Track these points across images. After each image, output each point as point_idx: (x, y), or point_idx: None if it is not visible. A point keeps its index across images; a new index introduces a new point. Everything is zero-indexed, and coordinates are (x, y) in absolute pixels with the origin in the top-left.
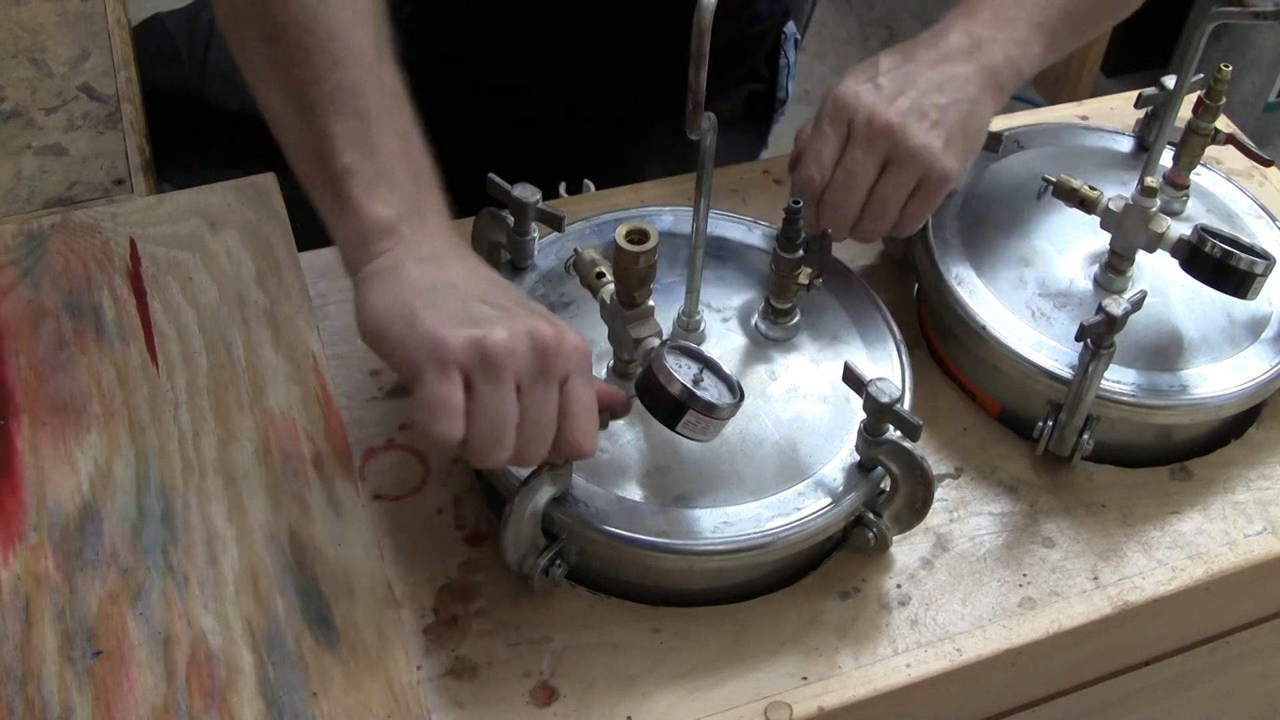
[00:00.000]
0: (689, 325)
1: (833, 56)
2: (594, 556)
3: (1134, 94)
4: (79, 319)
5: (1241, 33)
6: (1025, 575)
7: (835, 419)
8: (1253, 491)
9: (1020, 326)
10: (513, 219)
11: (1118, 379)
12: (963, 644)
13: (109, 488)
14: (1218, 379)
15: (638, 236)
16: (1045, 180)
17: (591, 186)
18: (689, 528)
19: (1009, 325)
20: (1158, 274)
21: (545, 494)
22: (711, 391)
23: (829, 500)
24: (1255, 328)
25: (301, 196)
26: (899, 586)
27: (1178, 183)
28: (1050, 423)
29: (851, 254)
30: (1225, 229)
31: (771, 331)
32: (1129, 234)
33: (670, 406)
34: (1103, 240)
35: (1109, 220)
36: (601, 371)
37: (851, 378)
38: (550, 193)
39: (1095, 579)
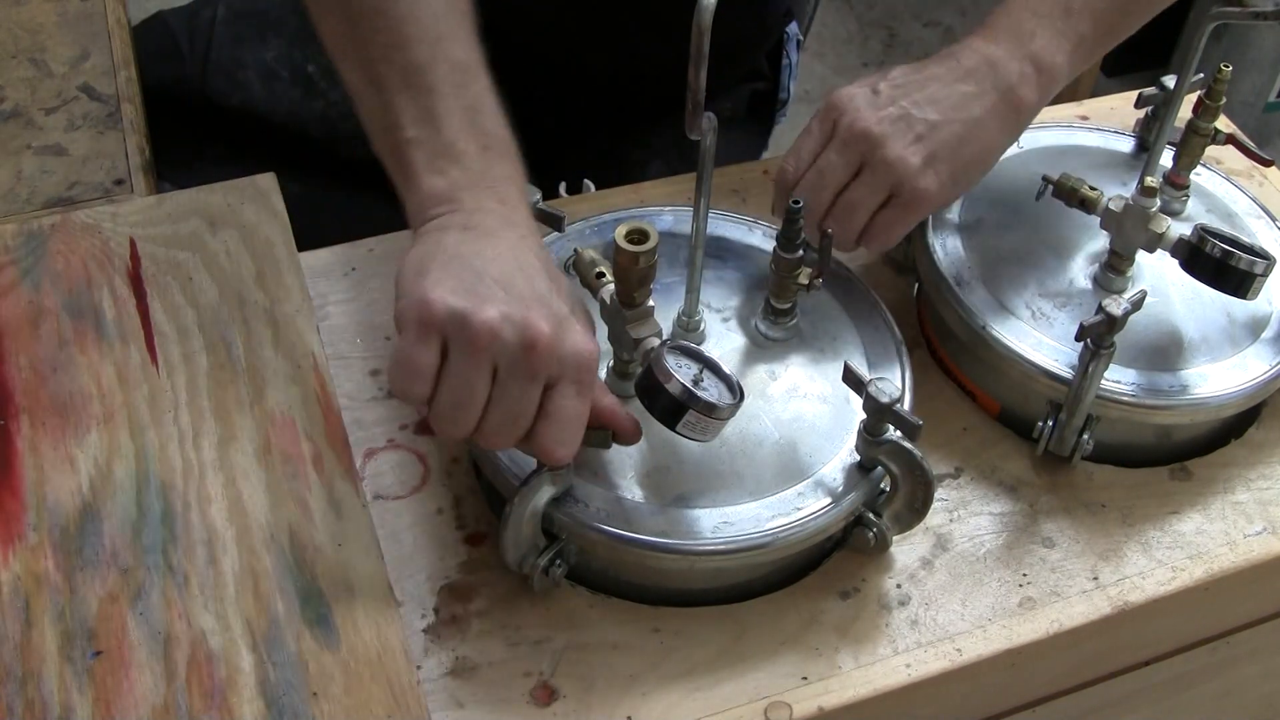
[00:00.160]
0: (689, 325)
1: (833, 56)
2: (594, 556)
3: (1134, 94)
4: (79, 319)
5: (1241, 33)
6: (1025, 575)
7: (835, 419)
8: (1253, 491)
9: (1020, 326)
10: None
11: (1118, 379)
12: (963, 644)
13: (109, 488)
14: (1218, 379)
15: (638, 236)
16: (1045, 180)
17: (591, 186)
18: (689, 528)
19: (1009, 325)
20: (1158, 274)
21: (545, 494)
22: (711, 391)
23: (829, 500)
24: (1255, 328)
25: (301, 196)
26: (899, 586)
27: (1178, 183)
28: (1050, 423)
29: (851, 254)
30: (1225, 229)
31: (771, 331)
32: (1129, 234)
33: (670, 406)
34: (1103, 240)
35: (1109, 220)
36: (601, 372)
37: (851, 378)
38: (550, 193)
39: (1095, 579)
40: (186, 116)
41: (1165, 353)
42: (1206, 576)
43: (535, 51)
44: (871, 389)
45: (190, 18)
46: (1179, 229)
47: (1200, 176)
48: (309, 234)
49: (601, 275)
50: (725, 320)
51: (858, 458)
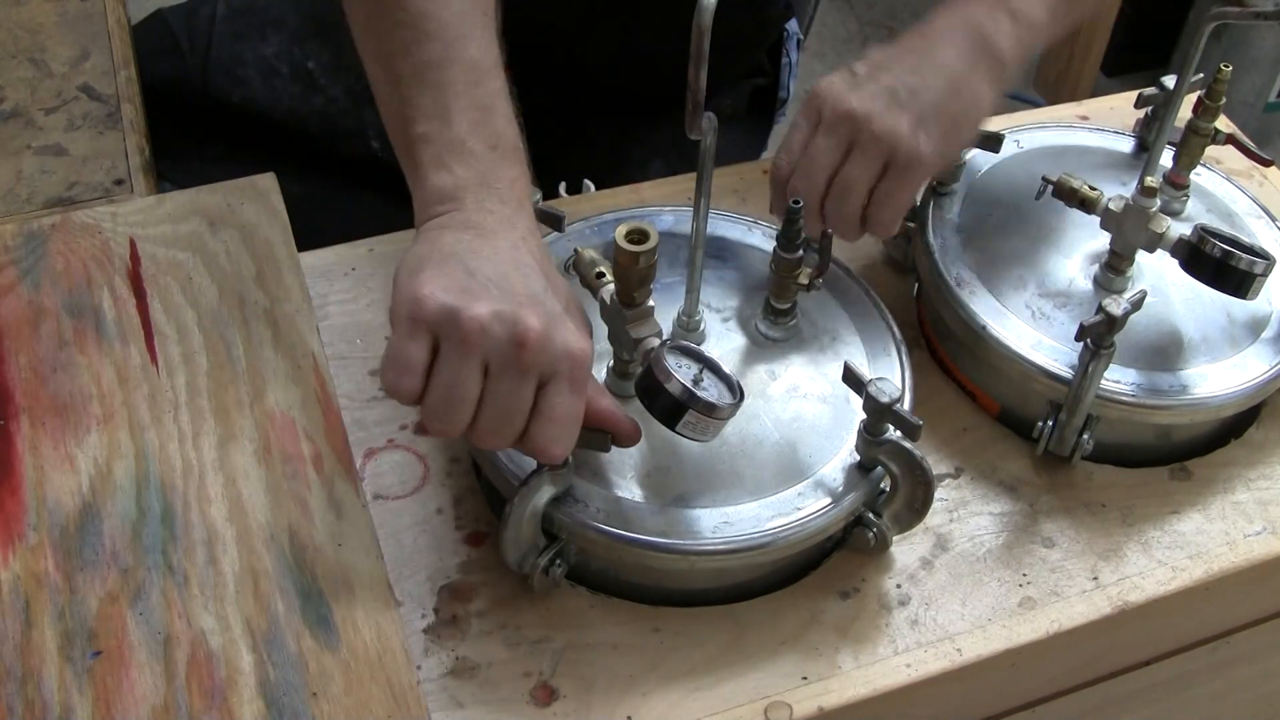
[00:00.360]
0: (689, 325)
1: (833, 56)
2: (594, 556)
3: (1134, 94)
4: (79, 319)
5: (1241, 33)
6: (1025, 575)
7: (835, 419)
8: (1253, 491)
9: (1020, 326)
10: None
11: (1118, 379)
12: (963, 644)
13: (109, 488)
14: (1218, 379)
15: (638, 236)
16: (1045, 180)
17: (591, 186)
18: (689, 528)
19: (1009, 325)
20: (1158, 274)
21: (545, 494)
22: (711, 391)
23: (829, 500)
24: (1255, 328)
25: (301, 196)
26: (899, 586)
27: (1178, 183)
28: (1050, 423)
29: (851, 254)
30: (1225, 229)
31: (771, 331)
32: (1129, 234)
33: (670, 406)
34: (1103, 240)
35: (1109, 220)
36: (601, 372)
37: (851, 378)
38: (550, 193)
39: (1095, 579)
40: (187, 114)
41: (1165, 353)
42: (1206, 576)
43: (535, 50)
44: (871, 389)
45: (189, 15)
46: (1179, 229)
47: (1200, 176)
48: (309, 234)
49: (601, 275)
50: (725, 320)
51: (858, 458)
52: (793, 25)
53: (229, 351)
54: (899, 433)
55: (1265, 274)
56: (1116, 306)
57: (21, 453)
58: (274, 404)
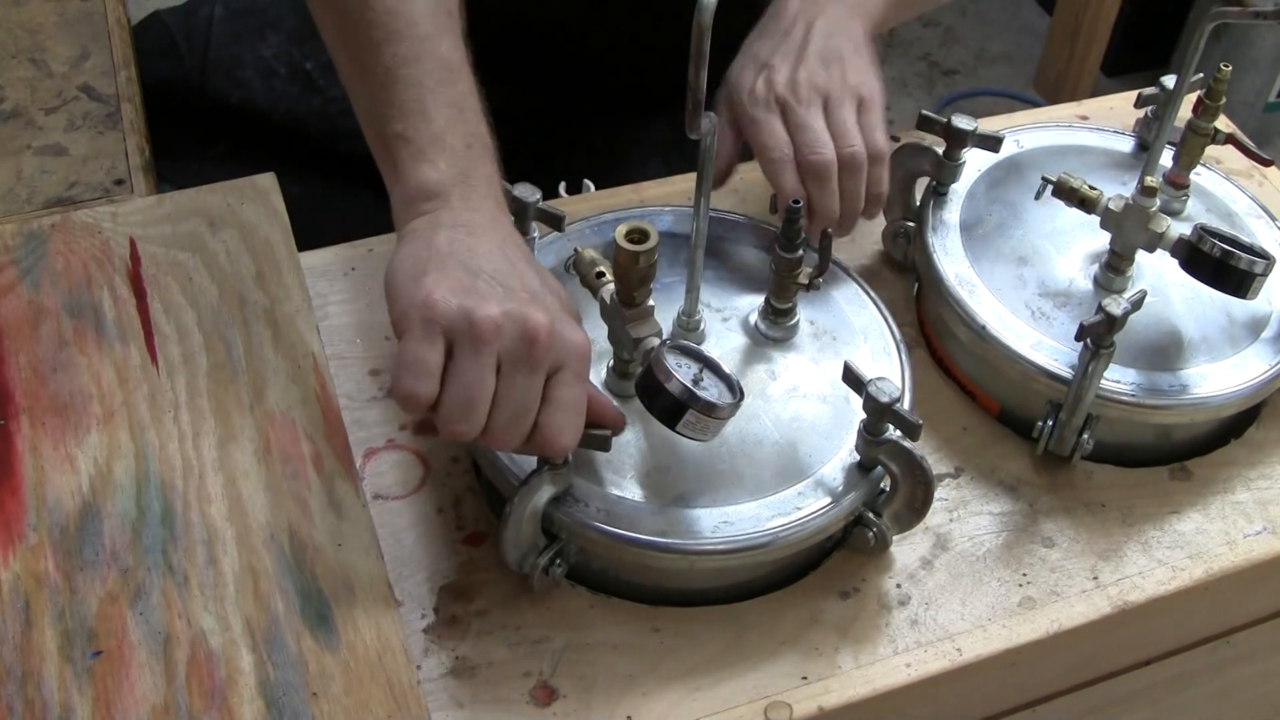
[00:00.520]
0: (689, 325)
1: None
2: (594, 556)
3: (1134, 94)
4: (79, 319)
5: (1241, 33)
6: (1025, 575)
7: (835, 419)
8: (1253, 491)
9: (1020, 326)
10: (513, 219)
11: (1118, 379)
12: (963, 644)
13: (109, 488)
14: (1218, 379)
15: (638, 236)
16: (1045, 180)
17: (591, 186)
18: (689, 528)
19: (1009, 325)
20: (1158, 274)
21: (545, 494)
22: (711, 391)
23: (829, 500)
24: (1255, 328)
25: (301, 196)
26: (899, 586)
27: (1178, 182)
28: (1050, 422)
29: (851, 254)
30: (1225, 229)
31: (771, 331)
32: (1129, 234)
33: (670, 406)
34: (1103, 240)
35: (1109, 220)
36: (601, 371)
37: (851, 378)
38: (550, 193)
39: (1095, 579)
40: (187, 115)
41: (1165, 353)
42: (1206, 576)
43: (532, 48)
44: (871, 389)
45: (187, 16)
46: (1179, 229)
47: (1200, 176)
48: (309, 234)
49: (601, 275)
50: (725, 320)
51: (858, 458)
52: None
53: (229, 351)
54: (899, 432)
55: (1265, 274)
56: (1116, 306)
57: (21, 453)
58: (274, 404)
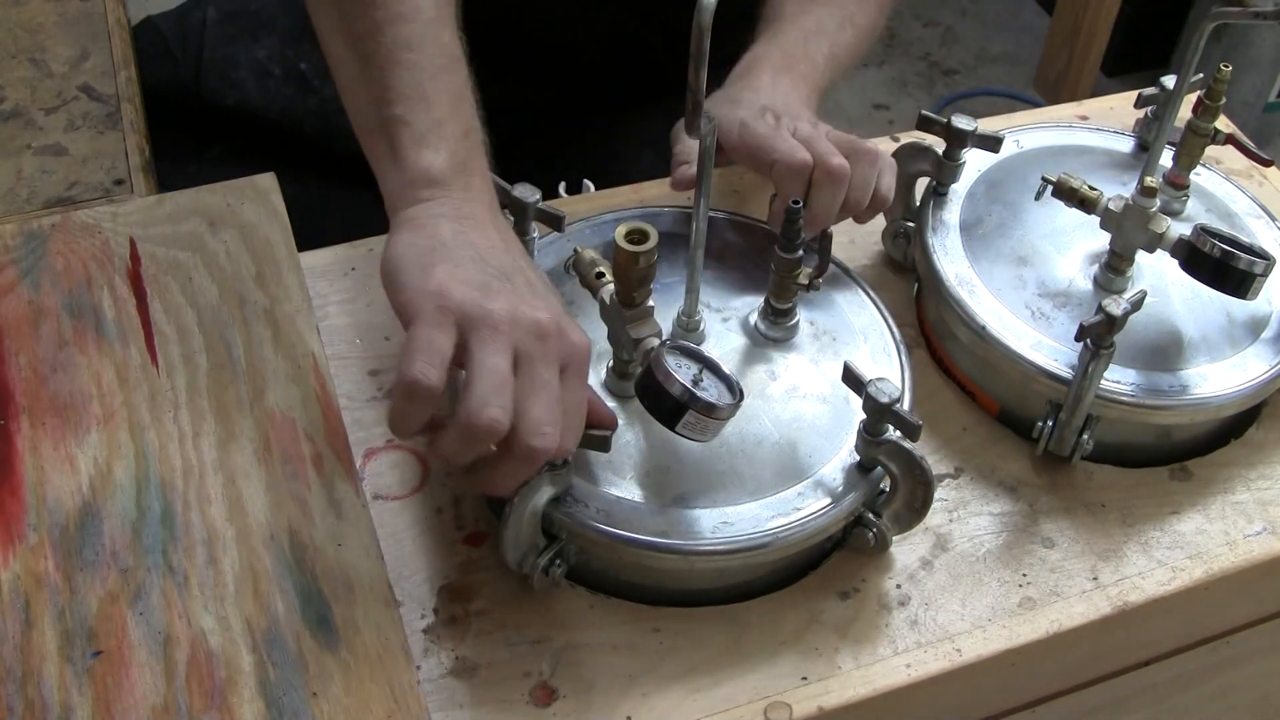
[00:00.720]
0: (689, 325)
1: None
2: (594, 556)
3: (1134, 94)
4: (79, 319)
5: (1241, 33)
6: (1025, 575)
7: (835, 419)
8: (1253, 491)
9: (1020, 326)
10: (513, 219)
11: (1118, 379)
12: (963, 644)
13: (109, 488)
14: (1218, 379)
15: (638, 236)
16: (1045, 180)
17: (591, 186)
18: (689, 528)
19: (1009, 325)
20: (1158, 274)
21: (545, 494)
22: (711, 391)
23: (829, 500)
24: (1255, 328)
25: (298, 197)
26: (899, 586)
27: (1177, 183)
28: (1050, 423)
29: (851, 254)
30: (1225, 229)
31: (771, 331)
32: (1129, 234)
33: (670, 407)
34: (1103, 240)
35: (1109, 220)
36: (601, 372)
37: (851, 378)
38: (550, 193)
39: (1095, 579)
40: (183, 118)
41: (1165, 353)
42: (1206, 576)
43: (523, 43)
44: (871, 389)
45: (179, 20)
46: (1179, 229)
47: (1200, 176)
48: (308, 234)
49: (601, 275)
50: (725, 320)
51: (857, 458)
52: None
53: (229, 351)
54: (899, 433)
55: (1265, 274)
56: (1116, 306)
57: (21, 453)
58: (274, 404)
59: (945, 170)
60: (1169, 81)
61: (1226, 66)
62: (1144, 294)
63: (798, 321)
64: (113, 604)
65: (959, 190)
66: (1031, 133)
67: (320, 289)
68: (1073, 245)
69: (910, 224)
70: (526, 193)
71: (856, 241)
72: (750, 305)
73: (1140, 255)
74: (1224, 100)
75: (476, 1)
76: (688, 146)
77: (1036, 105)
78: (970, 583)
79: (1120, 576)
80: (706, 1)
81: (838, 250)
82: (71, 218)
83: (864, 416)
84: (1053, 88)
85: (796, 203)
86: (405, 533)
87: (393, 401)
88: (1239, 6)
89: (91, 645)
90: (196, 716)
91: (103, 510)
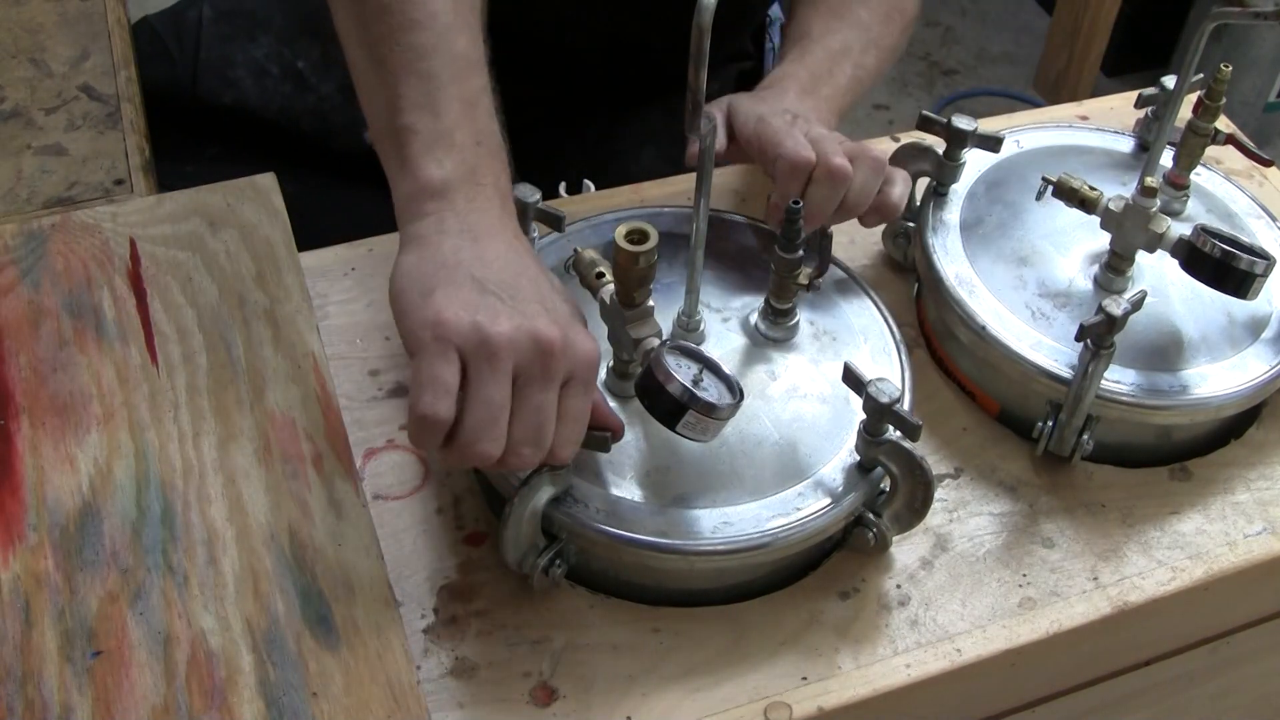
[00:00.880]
0: (689, 325)
1: None
2: (594, 556)
3: (1134, 94)
4: (79, 319)
5: (1241, 33)
6: (1025, 575)
7: (835, 419)
8: (1253, 491)
9: (1020, 326)
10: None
11: (1118, 379)
12: (963, 644)
13: (109, 488)
14: (1218, 379)
15: (638, 236)
16: (1045, 180)
17: (591, 186)
18: (689, 528)
19: (1009, 325)
20: (1158, 274)
21: (545, 494)
22: (711, 391)
23: (829, 500)
24: (1255, 328)
25: (297, 195)
26: (899, 587)
27: (1178, 183)
28: (1050, 423)
29: (851, 254)
30: (1225, 229)
31: (771, 331)
32: (1129, 234)
33: (670, 407)
34: (1103, 240)
35: (1109, 220)
36: (601, 372)
37: (851, 378)
38: (550, 193)
39: (1095, 579)
40: (181, 118)
41: (1165, 353)
42: (1206, 576)
43: (522, 42)
44: (871, 389)
45: (175, 20)
46: (1179, 229)
47: (1200, 176)
48: (308, 233)
49: (601, 275)
50: (725, 320)
51: (857, 458)
52: (775, 9)
53: (229, 351)
54: (899, 433)
55: (1265, 274)
56: (1116, 306)
57: (21, 453)
58: (274, 404)
59: (945, 170)
60: (1169, 81)
61: (1226, 66)
62: (1144, 294)
63: (798, 321)
64: (113, 604)
65: (959, 190)
66: (1031, 133)
67: (320, 289)
68: (1073, 245)
69: (910, 224)
70: (526, 193)
71: (856, 241)
72: (750, 305)
73: (1140, 255)
74: (1224, 100)
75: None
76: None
77: (1036, 105)
78: (970, 583)
79: (1120, 576)
80: (706, 1)
81: (838, 250)
82: (71, 218)
83: (864, 416)
84: (1053, 88)
85: (797, 203)
86: (405, 533)
87: (409, 428)
88: (1239, 6)
89: (91, 645)
90: (196, 716)
91: (103, 510)
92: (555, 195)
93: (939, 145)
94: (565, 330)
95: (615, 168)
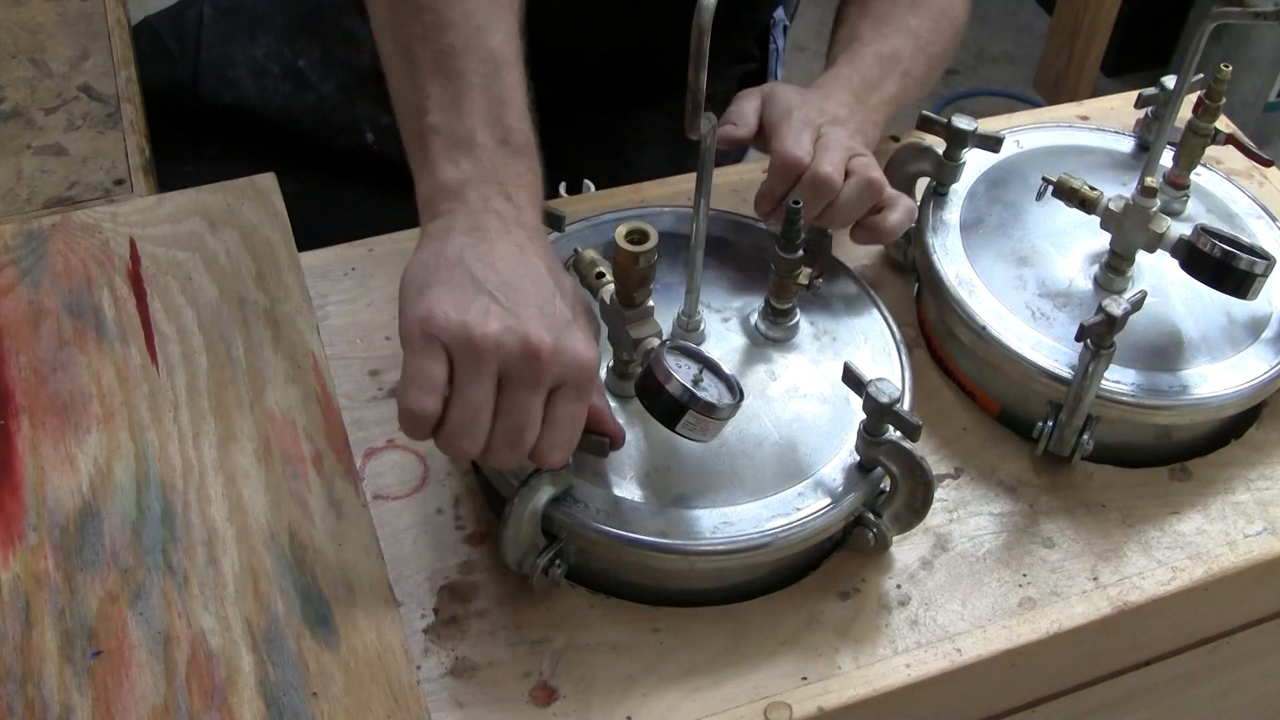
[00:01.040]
0: (689, 325)
1: None
2: (594, 556)
3: (1134, 94)
4: (79, 319)
5: (1241, 33)
6: (1025, 575)
7: (835, 419)
8: (1253, 491)
9: (1020, 326)
10: None
11: (1118, 379)
12: (963, 644)
13: (109, 488)
14: (1218, 379)
15: (638, 236)
16: (1045, 180)
17: (591, 186)
18: (689, 528)
19: (1009, 325)
20: (1158, 274)
21: (545, 494)
22: (711, 392)
23: (829, 500)
24: (1255, 328)
25: (298, 195)
26: (899, 587)
27: (1178, 183)
28: (1050, 423)
29: (851, 254)
30: (1225, 229)
31: (771, 331)
32: (1129, 234)
33: (670, 407)
34: (1103, 240)
35: (1109, 220)
36: (602, 372)
37: (851, 378)
38: (550, 193)
39: (1095, 579)
40: (181, 117)
41: (1165, 353)
42: (1206, 576)
43: (528, 42)
44: (871, 389)
45: (175, 19)
46: (1179, 229)
47: (1200, 176)
48: (308, 232)
49: (601, 275)
50: (725, 320)
51: (857, 458)
52: (779, 12)
53: (229, 351)
54: (899, 433)
55: (1265, 274)
56: (1116, 306)
57: (21, 453)
58: (274, 404)
59: (945, 170)
60: (1169, 81)
61: (1227, 66)
62: (1144, 294)
63: (798, 321)
64: (113, 604)
65: (959, 190)
66: (1031, 133)
67: (320, 289)
68: (1073, 245)
69: (910, 224)
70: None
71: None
72: (750, 305)
73: (1140, 255)
74: (1224, 100)
75: None
76: (738, 109)
77: (1036, 105)
78: (970, 583)
79: (1120, 576)
80: (706, 1)
81: (838, 251)
82: (71, 218)
83: (864, 417)
84: (1053, 88)
85: (797, 203)
86: (405, 533)
87: (399, 420)
88: (1239, 6)
89: (91, 645)
90: (196, 716)
91: (103, 510)
92: (555, 195)
93: (939, 145)
94: (559, 335)
95: (618, 168)
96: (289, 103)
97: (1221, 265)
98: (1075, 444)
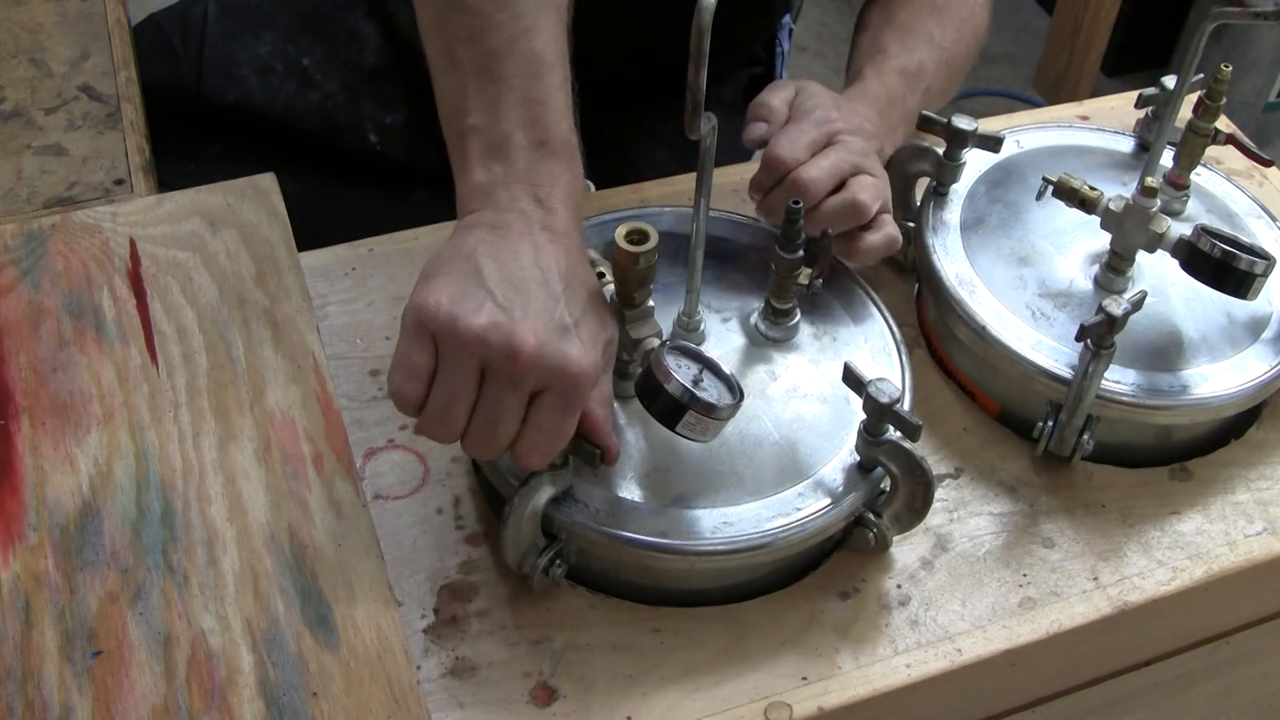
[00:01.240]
0: (689, 325)
1: (833, 56)
2: (594, 556)
3: (1134, 94)
4: (79, 319)
5: (1241, 33)
6: (1025, 575)
7: (835, 419)
8: (1253, 491)
9: (1020, 326)
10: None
11: (1118, 379)
12: (963, 644)
13: (109, 488)
14: (1218, 379)
15: (638, 236)
16: (1045, 180)
17: (592, 186)
18: (689, 528)
19: (1009, 325)
20: (1158, 274)
21: (545, 494)
22: (711, 392)
23: (829, 500)
24: (1255, 328)
25: (299, 195)
26: (899, 587)
27: (1178, 183)
28: (1050, 423)
29: None
30: (1225, 229)
31: (771, 331)
32: (1129, 234)
33: (670, 407)
34: (1103, 240)
35: (1109, 220)
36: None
37: (851, 378)
38: None
39: (1095, 579)
40: (185, 116)
41: (1165, 353)
42: (1206, 576)
43: None
44: (871, 389)
45: (180, 17)
46: (1179, 229)
47: (1200, 176)
48: (308, 233)
49: (601, 275)
50: (725, 320)
51: (858, 458)
52: (786, 16)
53: (229, 351)
54: (899, 433)
55: (1265, 274)
56: (1117, 307)
57: (21, 453)
58: (274, 404)
59: (945, 170)
60: (1169, 81)
61: (1227, 66)
62: (1144, 294)
63: (798, 321)
64: (113, 604)
65: (959, 190)
66: (1031, 133)
67: (320, 289)
68: (1073, 245)
69: (910, 224)
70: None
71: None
72: (750, 305)
73: (1140, 255)
74: (1224, 100)
75: None
76: (767, 104)
77: (1036, 105)
78: (970, 583)
79: (1120, 576)
80: (706, 2)
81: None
82: (71, 218)
83: (864, 417)
84: (1053, 88)
85: (797, 203)
86: (405, 533)
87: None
88: (1239, 6)
89: (91, 645)
90: (196, 716)
91: (103, 510)
92: None
93: (939, 145)
94: (549, 340)
95: (627, 170)
96: (292, 101)
97: (1221, 265)
98: (1075, 444)
